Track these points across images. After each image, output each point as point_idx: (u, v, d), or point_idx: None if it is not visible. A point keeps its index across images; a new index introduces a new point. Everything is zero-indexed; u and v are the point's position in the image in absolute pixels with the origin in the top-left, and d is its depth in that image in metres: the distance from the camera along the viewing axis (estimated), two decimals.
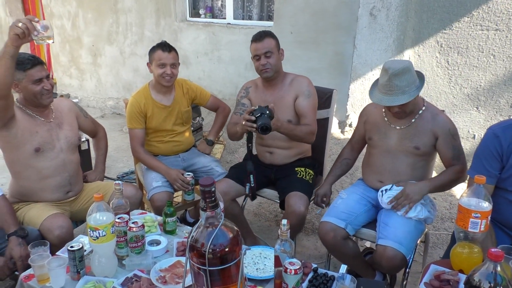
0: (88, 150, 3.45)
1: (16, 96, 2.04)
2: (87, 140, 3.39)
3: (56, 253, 1.64)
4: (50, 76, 2.07)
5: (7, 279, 1.87)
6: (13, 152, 2.05)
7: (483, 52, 3.32)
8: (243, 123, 2.13)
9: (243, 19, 4.70)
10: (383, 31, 3.64)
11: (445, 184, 2.02)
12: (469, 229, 1.36)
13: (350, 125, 3.95)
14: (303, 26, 4.12)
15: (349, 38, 3.88)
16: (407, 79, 1.86)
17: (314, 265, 1.62)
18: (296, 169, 2.39)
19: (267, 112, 2.10)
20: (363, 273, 2.16)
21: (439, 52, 3.48)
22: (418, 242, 2.06)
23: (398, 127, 2.05)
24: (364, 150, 2.35)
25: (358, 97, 3.91)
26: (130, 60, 5.42)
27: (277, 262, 1.45)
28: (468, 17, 3.30)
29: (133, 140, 2.51)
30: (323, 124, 2.65)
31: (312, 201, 2.35)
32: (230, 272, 1.32)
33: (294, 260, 1.39)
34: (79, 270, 1.52)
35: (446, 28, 3.40)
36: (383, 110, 2.11)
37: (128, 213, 1.72)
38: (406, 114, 2.00)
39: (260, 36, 2.30)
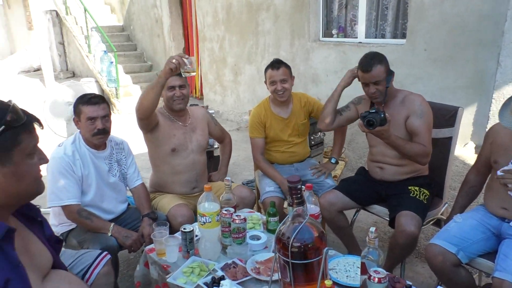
0: (219, 156, 3.86)
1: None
2: (218, 147, 3.79)
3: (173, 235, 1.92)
4: (186, 87, 2.43)
5: (138, 251, 2.25)
6: (154, 150, 2.47)
7: None
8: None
9: (375, 37, 4.67)
10: None
11: None
12: None
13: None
14: (439, 42, 3.89)
15: (492, 54, 3.53)
16: None
17: (408, 283, 1.56)
18: (410, 187, 2.29)
19: (382, 114, 2.07)
20: None
21: None
22: None
23: None
24: None
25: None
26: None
27: (363, 269, 1.45)
28: None
29: (254, 148, 2.74)
30: (445, 144, 2.48)
31: (431, 224, 2.22)
32: (313, 269, 1.39)
33: (380, 269, 1.38)
34: (189, 250, 1.77)
35: None
36: None
37: (235, 207, 1.92)
38: None
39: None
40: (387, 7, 4.52)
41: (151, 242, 1.93)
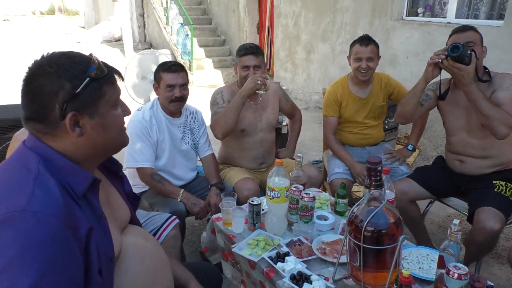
0: (287, 134, 3.81)
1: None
2: (287, 125, 3.74)
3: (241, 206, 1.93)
4: (266, 68, 2.40)
5: (204, 219, 2.31)
6: None
7: None
8: (432, 56, 2.00)
9: (467, 18, 4.27)
10: None
11: None
12: None
13: None
14: None
15: None
16: None
17: (490, 283, 1.42)
18: (494, 182, 2.09)
19: (469, 52, 1.88)
20: None
21: None
22: None
23: None
24: None
25: None
26: (339, 57, 5.64)
27: (441, 263, 1.34)
28: None
29: (326, 127, 2.66)
30: None
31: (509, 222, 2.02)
32: (385, 256, 1.31)
33: (461, 265, 1.27)
34: (255, 222, 1.76)
35: None
36: None
37: (304, 185, 1.87)
38: None
39: (464, 28, 2.08)
40: None
41: (217, 211, 1.96)
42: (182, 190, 2.17)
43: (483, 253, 2.09)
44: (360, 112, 2.61)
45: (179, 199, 2.13)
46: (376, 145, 2.71)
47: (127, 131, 1.07)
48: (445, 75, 2.08)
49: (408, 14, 4.79)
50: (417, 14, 4.70)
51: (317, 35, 5.98)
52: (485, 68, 2.14)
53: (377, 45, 2.50)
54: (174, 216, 1.91)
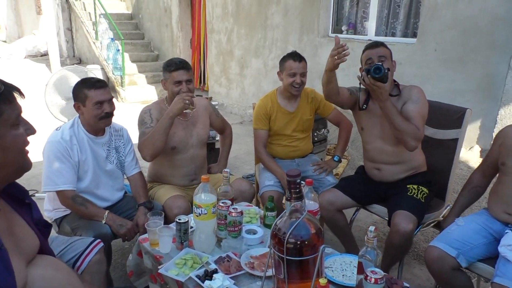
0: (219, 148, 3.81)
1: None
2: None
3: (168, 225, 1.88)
4: (192, 81, 2.38)
5: (133, 240, 2.22)
6: None
7: None
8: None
9: (385, 35, 4.59)
10: None
11: None
12: None
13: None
14: (450, 43, 3.82)
15: (504, 58, 3.45)
16: None
17: (406, 285, 1.51)
18: (408, 186, 2.25)
19: (386, 70, 2.03)
20: None
21: None
22: None
23: None
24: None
25: (507, 123, 3.43)
26: (271, 72, 5.79)
27: (360, 269, 1.40)
28: None
29: (257, 139, 2.70)
30: (450, 146, 2.43)
31: (432, 226, 2.18)
32: (309, 266, 1.35)
33: (377, 269, 1.33)
34: (183, 241, 1.73)
35: None
36: None
37: (232, 200, 1.88)
38: None
39: (376, 44, 2.26)
40: (399, 5, 4.44)
41: (145, 231, 1.90)
42: (107, 211, 2.07)
43: (401, 255, 2.22)
44: (288, 125, 2.68)
45: (103, 221, 2.03)
46: (305, 157, 2.80)
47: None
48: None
49: (334, 32, 5.04)
50: (341, 32, 4.96)
51: (250, 50, 6.10)
52: (394, 81, 2.31)
53: (306, 62, 2.61)
54: (98, 240, 1.81)
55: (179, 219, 1.71)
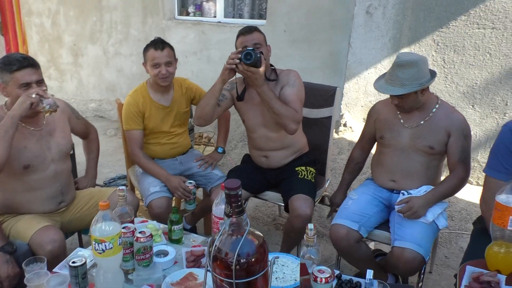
0: (73, 154, 3.24)
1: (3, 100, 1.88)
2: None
3: (53, 270, 1.48)
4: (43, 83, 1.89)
5: None
6: None
7: (479, 50, 3.30)
8: (227, 61, 2.02)
9: (233, 17, 4.58)
10: (379, 29, 3.59)
11: (449, 193, 1.96)
12: (508, 227, 1.28)
13: (345, 125, 3.87)
14: (297, 24, 4.03)
15: (344, 36, 3.81)
16: (410, 72, 1.83)
17: (337, 271, 1.52)
18: (297, 169, 2.29)
19: (259, 55, 1.99)
20: (375, 276, 2.07)
21: (435, 51, 3.45)
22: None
23: (411, 126, 1.98)
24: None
25: (352, 96, 3.84)
26: (114, 60, 5.22)
27: (303, 270, 1.33)
28: (465, 16, 3.27)
29: (131, 142, 2.35)
30: (325, 123, 2.57)
31: (318, 202, 2.26)
32: (257, 284, 1.20)
33: (323, 267, 1.29)
34: (82, 287, 1.37)
35: (443, 26, 3.37)
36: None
37: (133, 222, 1.58)
38: (405, 110, 1.97)
39: (249, 29, 2.19)
40: None
41: (20, 285, 1.44)
42: None
43: (301, 238, 2.26)
44: (165, 121, 2.42)
45: None
46: (186, 153, 2.59)
47: None
48: (238, 74, 2.13)
49: (180, 14, 4.80)
50: (189, 14, 4.76)
51: (83, 35, 5.35)
52: (271, 66, 2.29)
53: (172, 48, 2.36)
54: None
55: (74, 262, 1.34)
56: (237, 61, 1.99)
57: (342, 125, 3.94)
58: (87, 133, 2.34)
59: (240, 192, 1.13)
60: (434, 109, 1.96)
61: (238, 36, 2.22)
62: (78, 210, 2.09)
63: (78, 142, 2.35)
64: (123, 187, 1.56)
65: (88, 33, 5.29)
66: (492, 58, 3.26)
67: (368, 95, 3.74)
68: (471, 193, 3.22)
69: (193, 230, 2.65)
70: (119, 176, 3.71)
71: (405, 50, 3.54)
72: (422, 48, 3.48)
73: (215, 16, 4.61)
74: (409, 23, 3.49)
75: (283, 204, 2.28)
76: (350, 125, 3.71)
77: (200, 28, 4.54)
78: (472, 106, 3.42)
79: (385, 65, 3.62)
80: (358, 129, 3.67)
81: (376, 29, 3.59)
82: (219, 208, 1.53)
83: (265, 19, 4.30)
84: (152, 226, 1.82)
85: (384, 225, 2.05)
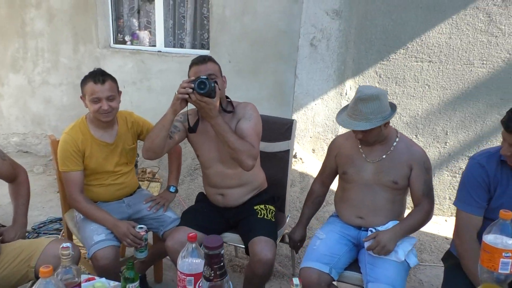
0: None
1: None
2: None
3: None
4: None
5: None
6: None
7: (418, 82, 3.46)
8: (179, 90, 1.86)
9: (174, 47, 4.43)
10: (324, 61, 3.64)
11: (416, 227, 1.93)
12: (499, 271, 1.23)
13: (295, 156, 3.82)
14: (241, 55, 3.98)
15: (290, 67, 3.82)
16: (372, 107, 1.80)
17: None
18: (255, 207, 2.15)
19: (213, 84, 1.84)
20: None
21: (378, 82, 3.56)
22: None
23: (373, 160, 1.95)
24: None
25: (301, 127, 3.82)
26: (41, 90, 4.76)
27: None
28: (403, 49, 3.43)
29: (70, 185, 2.05)
30: (283, 157, 2.48)
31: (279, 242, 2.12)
32: None
33: None
34: None
35: (384, 59, 3.50)
36: (359, 142, 1.99)
37: (79, 286, 1.31)
38: (369, 143, 1.93)
39: (203, 59, 2.04)
40: (184, 16, 4.34)
41: None
42: None
43: (264, 283, 2.09)
44: (109, 159, 2.16)
45: None
46: (134, 194, 2.33)
47: None
48: (190, 105, 1.97)
49: (116, 42, 4.54)
50: (125, 42, 4.51)
51: (4, 63, 4.84)
52: (227, 97, 2.16)
53: (114, 80, 2.13)
54: None
55: None
56: (190, 90, 1.84)
57: (292, 156, 3.89)
58: (15, 176, 2.02)
59: (222, 251, 0.96)
60: (395, 143, 1.94)
61: (191, 66, 2.06)
62: (5, 267, 1.76)
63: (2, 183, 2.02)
64: (68, 245, 1.29)
65: (9, 61, 4.81)
66: (431, 90, 3.43)
67: (316, 126, 3.74)
68: None
69: (143, 279, 2.37)
70: (51, 219, 3.32)
71: (350, 81, 3.62)
72: (365, 80, 3.58)
73: (154, 45, 4.42)
74: (352, 55, 3.58)
75: (243, 247, 2.10)
76: (300, 156, 3.66)
77: (139, 57, 4.31)
78: (416, 136, 3.55)
79: (331, 96, 3.65)
80: (308, 161, 3.63)
81: (321, 60, 3.64)
82: (185, 262, 1.32)
83: (207, 49, 4.20)
84: (100, 285, 1.55)
85: (353, 265, 1.96)
